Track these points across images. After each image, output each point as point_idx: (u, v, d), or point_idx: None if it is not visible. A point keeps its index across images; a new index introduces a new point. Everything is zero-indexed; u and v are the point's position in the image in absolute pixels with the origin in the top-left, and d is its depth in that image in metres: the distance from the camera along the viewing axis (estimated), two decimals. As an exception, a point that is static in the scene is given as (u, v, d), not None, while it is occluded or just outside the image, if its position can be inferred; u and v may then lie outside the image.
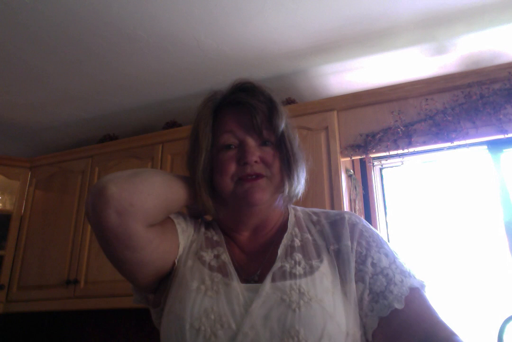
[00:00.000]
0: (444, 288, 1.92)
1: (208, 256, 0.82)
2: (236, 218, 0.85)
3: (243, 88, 0.85)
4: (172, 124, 2.57)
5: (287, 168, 0.82)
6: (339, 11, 1.79)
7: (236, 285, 0.76)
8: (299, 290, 0.72)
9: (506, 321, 1.63)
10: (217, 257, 0.82)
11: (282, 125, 0.83)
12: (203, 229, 0.89)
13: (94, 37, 1.95)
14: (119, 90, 2.42)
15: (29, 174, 2.81)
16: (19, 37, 1.95)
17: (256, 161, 0.80)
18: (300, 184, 0.84)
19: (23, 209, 2.72)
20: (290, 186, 0.82)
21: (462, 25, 1.86)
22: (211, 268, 0.80)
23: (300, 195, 0.87)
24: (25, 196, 2.75)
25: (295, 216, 0.88)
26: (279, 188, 0.82)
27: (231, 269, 0.79)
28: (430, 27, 1.88)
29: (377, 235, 0.82)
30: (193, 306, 0.73)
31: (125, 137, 2.68)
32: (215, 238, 0.86)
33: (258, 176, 0.80)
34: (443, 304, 1.88)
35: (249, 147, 0.81)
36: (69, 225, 2.53)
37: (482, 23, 1.85)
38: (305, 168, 0.87)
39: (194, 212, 0.91)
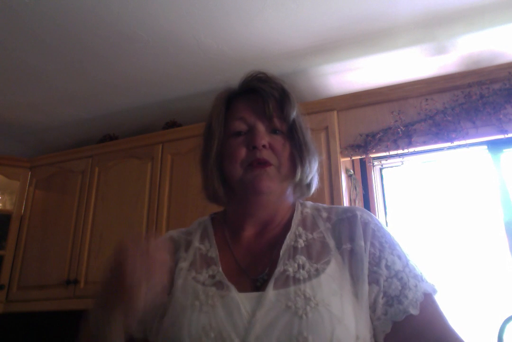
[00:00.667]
0: (444, 288, 1.92)
1: (202, 276, 0.78)
2: (244, 209, 0.84)
3: (257, 77, 0.86)
4: (172, 124, 2.57)
5: (299, 156, 0.82)
6: (339, 11, 1.79)
7: (235, 295, 0.72)
8: (304, 295, 0.69)
9: (506, 321, 1.63)
10: (212, 277, 0.78)
11: (294, 114, 0.83)
12: (196, 244, 0.85)
13: (94, 37, 1.95)
14: (119, 90, 2.42)
15: (29, 174, 2.81)
16: (19, 37, 1.95)
17: (264, 146, 0.79)
18: (312, 172, 0.83)
19: (23, 209, 2.72)
20: (302, 173, 0.81)
21: (462, 25, 1.86)
22: (205, 285, 0.76)
23: (313, 189, 0.86)
24: (25, 196, 2.74)
25: (302, 213, 0.86)
26: (289, 177, 0.81)
27: (228, 283, 0.75)
28: (430, 27, 1.88)
29: (389, 234, 0.80)
30: (190, 326, 0.69)
31: (125, 137, 2.68)
32: (210, 253, 0.83)
33: (266, 163, 0.79)
34: (443, 304, 1.88)
35: (258, 131, 0.81)
36: (69, 225, 2.53)
37: (482, 23, 1.85)
38: (317, 160, 0.86)
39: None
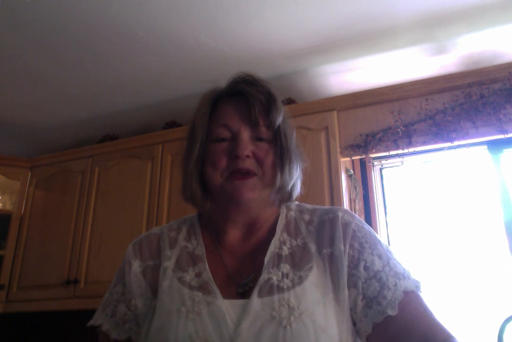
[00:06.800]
0: (444, 288, 1.92)
1: (189, 275, 0.78)
2: (224, 214, 0.83)
3: (244, 80, 0.85)
4: (172, 124, 2.57)
5: (280, 164, 0.80)
6: (339, 11, 1.79)
7: (220, 303, 0.72)
8: (288, 304, 0.69)
9: (506, 321, 1.63)
10: (198, 275, 0.78)
11: (279, 119, 0.81)
12: (183, 242, 0.85)
13: (94, 37, 1.95)
14: (119, 90, 2.42)
15: (29, 174, 2.81)
16: (19, 37, 1.95)
17: (248, 156, 0.78)
18: (292, 180, 0.82)
19: (23, 209, 2.72)
20: (282, 181, 0.80)
21: (462, 25, 1.86)
22: (191, 287, 0.76)
23: (294, 195, 0.85)
24: (25, 196, 2.74)
25: (286, 217, 0.85)
26: (271, 185, 0.80)
27: (213, 286, 0.75)
28: (430, 27, 1.88)
29: (370, 233, 0.79)
30: (176, 333, 0.70)
31: (125, 137, 2.68)
32: (197, 251, 0.83)
33: (249, 173, 0.78)
34: (443, 304, 1.88)
35: (241, 140, 0.79)
36: (69, 225, 2.53)
37: (482, 23, 1.85)
38: (300, 167, 0.85)
39: None
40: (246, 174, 0.78)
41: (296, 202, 0.90)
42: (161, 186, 2.38)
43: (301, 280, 0.73)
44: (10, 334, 2.86)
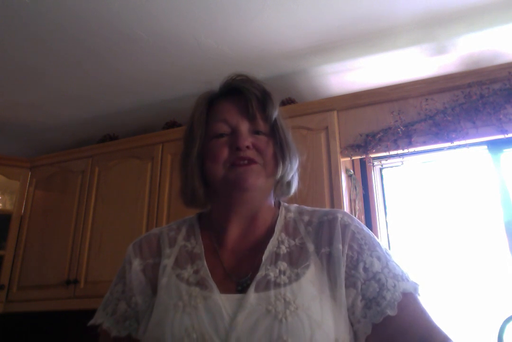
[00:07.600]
0: (444, 288, 1.92)
1: (187, 272, 0.79)
2: (227, 206, 0.83)
3: (238, 79, 0.87)
4: (172, 124, 2.57)
5: (281, 155, 0.82)
6: (339, 11, 1.79)
7: (217, 297, 0.73)
8: (284, 299, 0.70)
9: (506, 321, 1.63)
10: (196, 272, 0.79)
11: (275, 113, 0.84)
12: (182, 241, 0.86)
13: (94, 37, 1.95)
14: (119, 90, 2.42)
15: (29, 174, 2.81)
16: (19, 37, 1.95)
17: (248, 147, 0.80)
18: (292, 170, 0.84)
19: (23, 209, 2.72)
20: (283, 170, 0.82)
21: (462, 25, 1.86)
22: (189, 283, 0.77)
23: (293, 189, 0.87)
24: (25, 196, 2.75)
25: (285, 218, 0.86)
26: (272, 175, 0.82)
27: (211, 282, 0.76)
28: (430, 27, 1.88)
29: (369, 236, 0.80)
30: (173, 327, 0.71)
31: (125, 137, 2.68)
32: (196, 249, 0.84)
33: (251, 161, 0.79)
34: (443, 304, 1.88)
35: (241, 133, 0.81)
36: (69, 225, 2.53)
37: (482, 23, 1.85)
38: (298, 161, 0.87)
39: None
40: (248, 162, 0.79)
41: (296, 204, 0.90)
42: (161, 186, 2.38)
43: (298, 276, 0.74)
44: (10, 334, 2.86)
